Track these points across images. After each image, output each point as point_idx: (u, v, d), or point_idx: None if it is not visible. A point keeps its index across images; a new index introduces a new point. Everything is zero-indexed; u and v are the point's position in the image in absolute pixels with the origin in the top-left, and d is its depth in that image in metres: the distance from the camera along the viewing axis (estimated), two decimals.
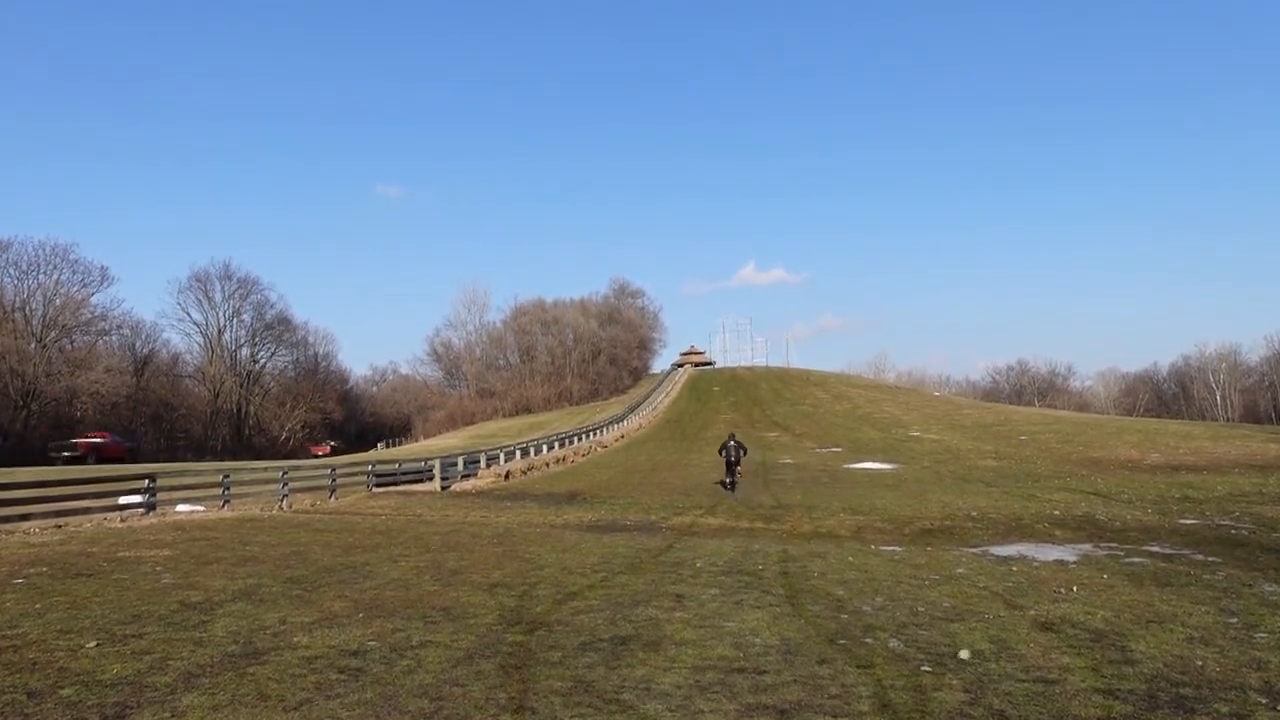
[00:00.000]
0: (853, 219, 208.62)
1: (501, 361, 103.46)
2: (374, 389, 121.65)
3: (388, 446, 76.05)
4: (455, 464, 28.09)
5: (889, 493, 21.70)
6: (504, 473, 28.84)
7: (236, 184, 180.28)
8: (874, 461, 32.48)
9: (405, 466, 27.70)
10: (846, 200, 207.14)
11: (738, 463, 24.08)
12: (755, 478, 27.04)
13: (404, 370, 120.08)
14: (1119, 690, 4.92)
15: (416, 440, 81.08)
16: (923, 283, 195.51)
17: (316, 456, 66.64)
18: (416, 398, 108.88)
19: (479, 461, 29.52)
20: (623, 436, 50.22)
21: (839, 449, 39.44)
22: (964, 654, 5.66)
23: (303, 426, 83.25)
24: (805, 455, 36.74)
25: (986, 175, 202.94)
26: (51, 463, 38.57)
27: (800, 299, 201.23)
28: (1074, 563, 10.24)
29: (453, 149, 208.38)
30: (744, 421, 54.69)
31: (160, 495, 16.19)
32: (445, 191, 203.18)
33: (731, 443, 24.39)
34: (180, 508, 16.48)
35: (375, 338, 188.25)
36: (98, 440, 42.90)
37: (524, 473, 30.52)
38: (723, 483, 24.57)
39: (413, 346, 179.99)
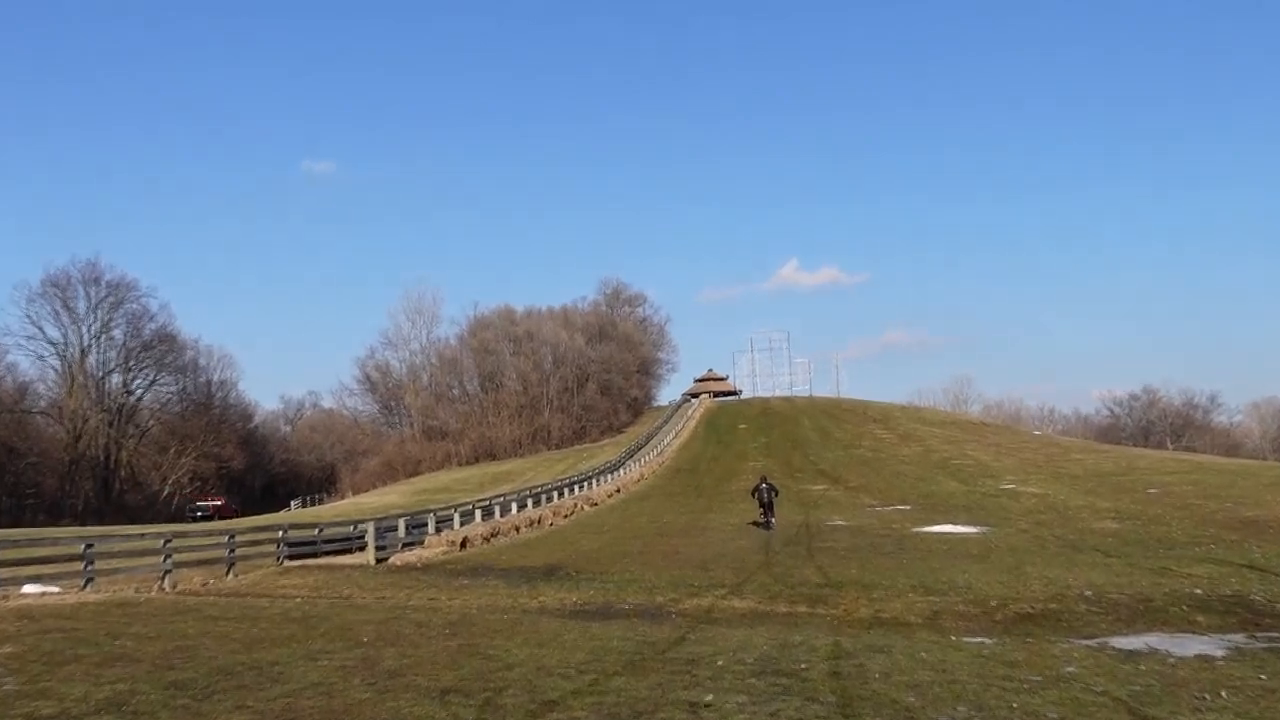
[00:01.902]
0: (929, 206, 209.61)
1: (456, 391, 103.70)
2: (287, 428, 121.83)
3: (305, 505, 75.97)
4: (395, 528, 28.07)
5: (974, 565, 21.66)
6: (459, 540, 28.78)
7: (105, 157, 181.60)
8: (954, 523, 32.39)
9: (328, 532, 27.64)
10: (922, 184, 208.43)
11: (772, 504, 31.35)
12: (797, 545, 26.95)
13: (327, 403, 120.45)
14: None
15: (344, 496, 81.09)
16: (1019, 288, 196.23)
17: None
18: (343, 439, 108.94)
19: (426, 525, 29.49)
20: (618, 490, 50.27)
21: (907, 506, 39.38)
22: None
23: (191, 478, 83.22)
24: (862, 515, 36.65)
25: (1104, 167, 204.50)
26: (186, 521, 56.26)
27: (857, 307, 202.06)
28: (1222, 659, 10.21)
29: (407, 118, 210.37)
30: (781, 470, 54.58)
31: (1, 572, 16.11)
32: (392, 169, 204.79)
33: (764, 485, 32.09)
34: (27, 589, 16.39)
35: (289, 360, 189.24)
36: (218, 503, 64.41)
37: (486, 539, 30.47)
38: (756, 522, 32.22)
39: (339, 371, 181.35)
